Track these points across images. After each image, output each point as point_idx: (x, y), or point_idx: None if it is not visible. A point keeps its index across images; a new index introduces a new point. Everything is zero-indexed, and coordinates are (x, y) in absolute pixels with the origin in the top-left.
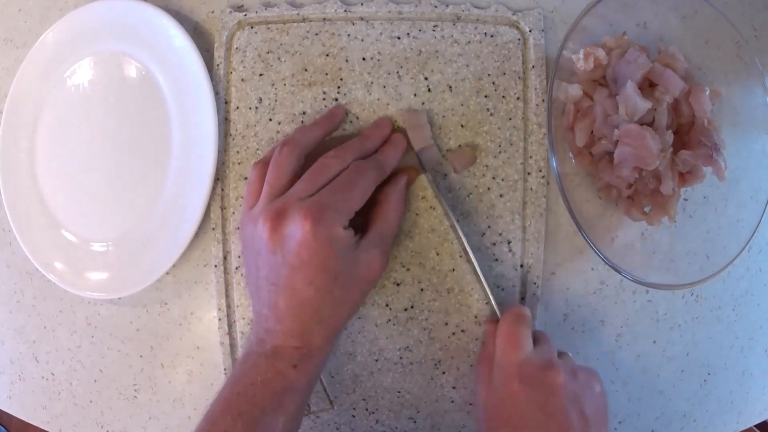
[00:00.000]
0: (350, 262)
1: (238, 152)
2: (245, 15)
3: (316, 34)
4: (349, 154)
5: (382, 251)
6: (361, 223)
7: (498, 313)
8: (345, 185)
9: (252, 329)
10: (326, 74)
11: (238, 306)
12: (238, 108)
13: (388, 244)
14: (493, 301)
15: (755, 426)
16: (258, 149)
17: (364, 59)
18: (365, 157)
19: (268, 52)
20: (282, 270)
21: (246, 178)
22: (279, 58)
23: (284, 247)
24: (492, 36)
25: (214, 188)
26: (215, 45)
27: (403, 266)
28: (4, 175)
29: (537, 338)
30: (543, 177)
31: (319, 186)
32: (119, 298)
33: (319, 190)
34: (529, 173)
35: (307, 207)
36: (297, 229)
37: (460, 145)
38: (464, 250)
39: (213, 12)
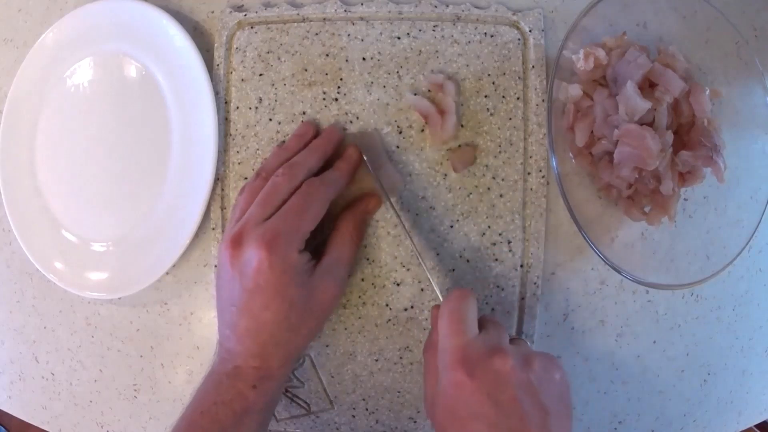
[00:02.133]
0: (306, 288)
1: (238, 152)
2: (245, 15)
3: (316, 34)
4: (299, 170)
5: (336, 279)
6: (321, 241)
7: (440, 296)
8: (297, 208)
9: (217, 349)
10: (326, 74)
11: None
12: (238, 108)
13: (344, 272)
14: (434, 284)
15: (755, 426)
16: (258, 149)
17: (364, 59)
18: (318, 170)
19: (268, 52)
20: (241, 293)
21: (246, 178)
22: (279, 58)
23: (242, 272)
24: (492, 36)
25: (214, 188)
26: (215, 45)
27: (403, 266)
28: (4, 175)
29: (486, 323)
30: (543, 177)
31: (273, 208)
32: (119, 298)
33: (275, 211)
34: (529, 173)
35: (261, 234)
36: (253, 256)
37: (460, 145)
38: (407, 233)
39: (213, 12)
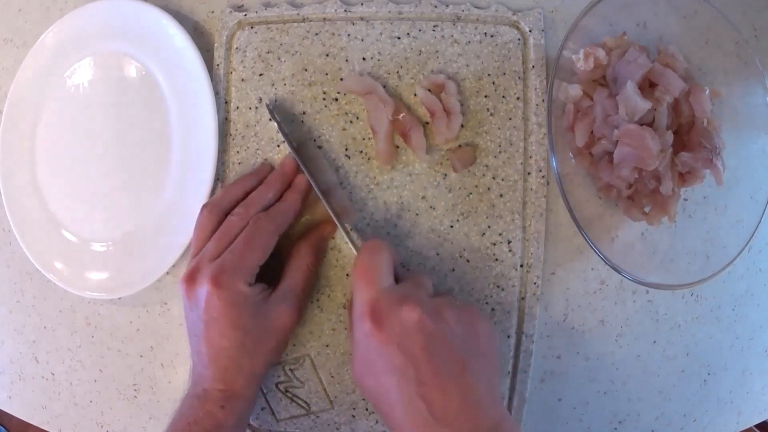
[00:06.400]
0: (259, 317)
1: (238, 152)
2: (245, 15)
3: (316, 34)
4: (252, 208)
5: (291, 305)
6: (277, 270)
7: (354, 251)
8: (245, 244)
9: (190, 372)
10: (326, 74)
11: None
12: (238, 108)
13: (299, 298)
14: (348, 241)
15: (755, 426)
16: (258, 149)
17: (364, 59)
18: (271, 204)
19: (268, 52)
20: (199, 323)
21: None
22: (279, 58)
23: (197, 304)
24: (492, 36)
25: (214, 188)
26: (215, 45)
27: (403, 266)
28: (4, 175)
29: (407, 278)
30: (543, 177)
31: (226, 245)
32: (119, 298)
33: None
34: (529, 173)
35: (211, 271)
36: (203, 291)
37: (460, 145)
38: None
39: (213, 12)
